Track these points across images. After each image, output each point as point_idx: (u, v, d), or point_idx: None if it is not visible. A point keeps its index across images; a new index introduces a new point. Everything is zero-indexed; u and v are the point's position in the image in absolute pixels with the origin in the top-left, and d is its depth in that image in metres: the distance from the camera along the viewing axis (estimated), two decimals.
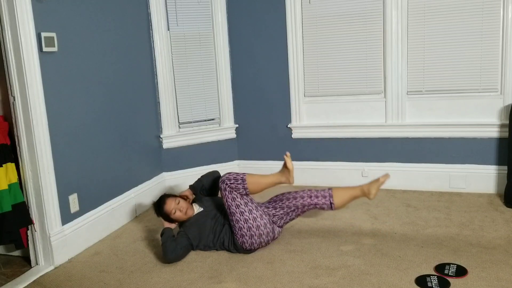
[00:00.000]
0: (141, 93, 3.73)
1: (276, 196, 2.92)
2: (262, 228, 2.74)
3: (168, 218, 2.88)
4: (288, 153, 2.74)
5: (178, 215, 2.85)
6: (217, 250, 2.86)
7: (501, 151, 3.55)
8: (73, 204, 2.96)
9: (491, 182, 3.62)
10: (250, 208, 2.72)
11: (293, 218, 2.90)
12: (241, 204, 2.71)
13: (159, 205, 2.90)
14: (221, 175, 2.76)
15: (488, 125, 3.55)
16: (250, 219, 2.70)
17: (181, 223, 2.94)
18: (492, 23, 3.43)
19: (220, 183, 2.72)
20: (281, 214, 2.83)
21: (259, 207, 2.79)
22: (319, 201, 2.78)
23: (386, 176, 2.78)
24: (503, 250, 2.63)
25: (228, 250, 2.83)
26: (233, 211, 2.71)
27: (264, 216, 2.77)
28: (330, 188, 2.84)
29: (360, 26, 3.79)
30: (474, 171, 3.65)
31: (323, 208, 2.80)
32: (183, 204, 2.89)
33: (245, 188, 2.70)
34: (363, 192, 2.80)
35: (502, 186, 3.55)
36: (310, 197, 2.79)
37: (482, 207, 3.34)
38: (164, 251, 2.71)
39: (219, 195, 2.87)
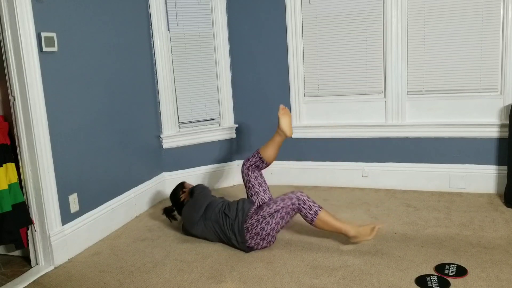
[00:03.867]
0: (141, 93, 3.73)
1: (264, 202, 3.00)
2: (270, 237, 2.81)
3: (178, 201, 3.21)
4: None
5: (185, 195, 3.19)
6: (219, 230, 2.88)
7: (501, 151, 3.55)
8: (73, 204, 2.96)
9: (491, 182, 3.62)
10: (283, 224, 2.79)
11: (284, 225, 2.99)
12: (284, 220, 2.78)
13: (180, 183, 3.34)
14: (298, 192, 2.81)
15: (488, 125, 3.55)
16: (274, 229, 2.78)
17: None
18: (492, 23, 3.43)
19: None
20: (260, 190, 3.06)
21: (284, 225, 2.87)
22: (252, 161, 3.03)
23: (281, 107, 3.03)
24: (503, 250, 2.63)
25: (228, 238, 2.84)
26: (275, 218, 2.76)
27: (282, 228, 2.86)
28: (258, 150, 3.07)
29: (360, 26, 3.79)
30: (474, 171, 3.65)
31: (258, 166, 3.04)
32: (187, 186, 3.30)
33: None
34: (280, 134, 3.00)
35: (502, 186, 3.55)
36: (247, 160, 3.06)
37: (482, 207, 3.34)
38: (203, 188, 3.13)
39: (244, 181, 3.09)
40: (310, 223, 2.76)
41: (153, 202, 3.89)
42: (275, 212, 2.75)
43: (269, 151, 3.01)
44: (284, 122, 2.98)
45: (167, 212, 3.29)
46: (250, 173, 3.02)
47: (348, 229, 2.71)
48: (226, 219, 2.87)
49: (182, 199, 3.19)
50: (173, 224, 3.36)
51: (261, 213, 2.77)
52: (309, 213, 2.72)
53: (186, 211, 3.04)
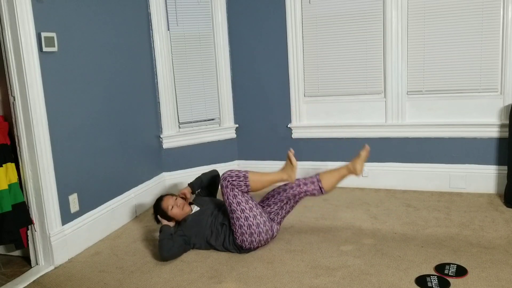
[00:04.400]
0: (141, 93, 3.73)
1: (267, 193, 2.97)
2: (262, 226, 2.75)
3: (166, 216, 2.93)
4: (292, 150, 2.80)
5: (175, 211, 2.91)
6: (215, 249, 2.85)
7: (501, 151, 3.55)
8: (73, 204, 2.96)
9: (491, 182, 3.62)
10: (251, 206, 2.73)
11: (289, 211, 2.95)
12: (242, 202, 2.71)
13: (157, 203, 2.99)
14: (223, 173, 2.77)
15: (488, 125, 3.55)
16: (250, 217, 2.71)
17: (179, 223, 2.95)
18: (492, 23, 3.43)
19: (222, 180, 2.73)
20: (276, 209, 2.88)
21: (258, 205, 2.81)
22: (309, 188, 2.82)
23: (366, 149, 2.89)
24: (503, 250, 2.63)
25: (227, 250, 2.83)
26: (234, 208, 2.71)
27: (263, 214, 2.79)
28: (317, 174, 2.88)
29: (360, 26, 3.79)
30: (474, 171, 3.65)
31: (314, 194, 2.84)
32: (180, 200, 2.96)
33: (247, 186, 2.72)
34: (349, 170, 2.90)
35: (502, 186, 3.55)
36: (299, 185, 2.83)
37: (482, 207, 3.34)
38: (160, 249, 2.74)
39: (220, 192, 2.88)
40: (248, 190, 2.71)
41: (153, 202, 3.88)
42: (229, 206, 2.72)
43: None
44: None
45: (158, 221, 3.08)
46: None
47: (280, 175, 2.74)
48: (222, 229, 2.84)
49: (171, 215, 2.96)
50: None
51: (230, 216, 2.76)
52: (239, 182, 2.68)
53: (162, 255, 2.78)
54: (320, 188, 2.81)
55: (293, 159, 2.75)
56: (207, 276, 2.55)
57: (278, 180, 2.79)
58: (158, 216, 2.97)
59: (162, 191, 4.00)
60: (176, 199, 2.96)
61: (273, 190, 2.93)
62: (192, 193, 3.15)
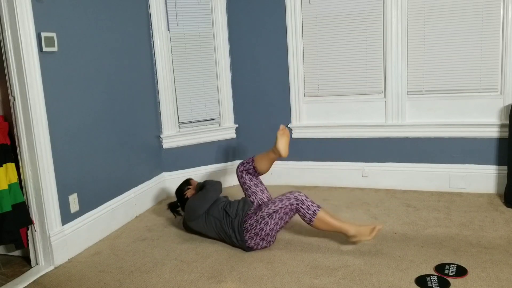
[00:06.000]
0: (141, 93, 3.73)
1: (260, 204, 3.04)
2: (270, 238, 2.82)
3: (182, 197, 3.22)
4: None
5: (190, 192, 3.19)
6: (219, 227, 2.88)
7: (501, 151, 3.55)
8: (73, 204, 2.96)
9: (491, 182, 3.62)
10: (282, 224, 2.80)
11: (262, 190, 3.14)
12: (283, 220, 2.78)
13: (186, 180, 3.33)
14: (296, 192, 2.80)
15: (488, 125, 3.55)
16: (274, 230, 2.79)
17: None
18: (492, 23, 3.43)
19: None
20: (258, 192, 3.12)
21: (283, 226, 2.87)
22: (246, 166, 3.10)
23: (281, 128, 3.03)
24: (503, 250, 2.63)
25: (228, 236, 2.85)
26: (274, 218, 2.76)
27: (277, 226, 2.84)
28: (253, 157, 3.11)
29: (360, 26, 3.79)
30: (474, 171, 3.65)
31: (250, 173, 3.10)
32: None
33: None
34: (274, 153, 3.02)
35: (502, 186, 3.55)
36: (242, 165, 3.12)
37: (482, 207, 3.34)
38: (213, 186, 3.03)
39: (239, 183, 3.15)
40: (309, 223, 2.75)
41: (153, 202, 3.89)
42: (273, 212, 2.74)
43: (262, 164, 3.06)
44: (281, 143, 2.99)
45: (172, 207, 3.31)
46: (244, 175, 3.09)
47: (347, 228, 2.69)
48: (227, 217, 2.88)
49: (186, 196, 3.19)
50: (173, 224, 3.36)
51: (260, 214, 2.77)
52: (308, 213, 2.71)
53: (191, 203, 3.00)
54: (254, 168, 3.06)
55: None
56: (207, 276, 2.55)
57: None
58: (187, 187, 3.24)
59: (162, 191, 4.00)
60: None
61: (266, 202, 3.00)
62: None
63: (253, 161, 3.07)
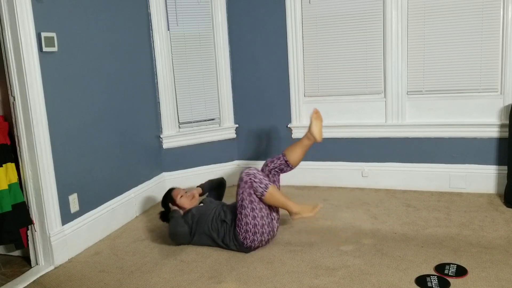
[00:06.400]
0: (141, 93, 3.73)
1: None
2: (266, 227, 2.79)
3: (174, 204, 3.07)
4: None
5: (184, 200, 3.05)
6: (215, 242, 2.87)
7: (501, 151, 3.55)
8: (73, 204, 2.96)
9: (491, 182, 3.62)
10: (261, 206, 2.78)
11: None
12: (255, 201, 2.75)
13: (168, 192, 3.16)
14: (248, 169, 2.78)
15: (488, 125, 3.55)
16: (258, 217, 2.75)
17: (185, 213, 3.00)
18: (492, 23, 3.43)
19: (245, 175, 2.75)
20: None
21: (266, 207, 2.84)
22: (276, 164, 3.00)
23: (315, 111, 3.01)
24: (503, 250, 2.63)
25: (227, 246, 2.83)
26: (245, 204, 2.74)
27: (269, 215, 2.84)
28: (283, 152, 3.06)
29: (360, 26, 3.79)
30: (474, 171, 3.65)
31: (282, 169, 3.02)
32: (189, 194, 3.12)
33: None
34: (309, 138, 3.01)
35: (502, 186, 3.55)
36: (267, 165, 3.03)
37: (482, 207, 3.34)
38: (173, 225, 2.84)
39: (237, 186, 2.94)
40: (260, 198, 2.75)
41: (153, 202, 3.89)
42: (242, 201, 2.74)
43: (296, 154, 2.99)
44: (315, 127, 2.98)
45: (164, 217, 3.15)
46: (271, 176, 3.00)
47: (292, 205, 2.77)
48: (217, 233, 2.86)
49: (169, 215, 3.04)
50: None
51: (238, 211, 2.78)
52: (260, 186, 2.72)
53: (172, 238, 2.92)
54: (286, 161, 2.99)
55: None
56: (207, 276, 2.55)
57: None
58: (169, 204, 3.08)
59: (162, 191, 4.00)
60: (186, 191, 3.13)
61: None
62: (202, 194, 3.23)
63: (284, 155, 2.98)
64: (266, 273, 2.54)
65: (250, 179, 2.74)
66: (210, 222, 2.88)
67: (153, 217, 3.57)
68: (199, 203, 3.10)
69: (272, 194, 2.74)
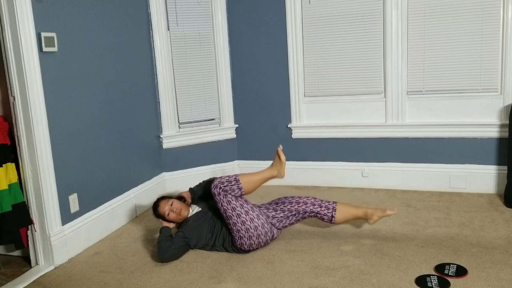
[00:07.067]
0: (141, 93, 3.73)
1: (279, 198, 2.95)
2: (260, 228, 2.74)
3: (165, 219, 2.92)
4: (280, 146, 2.84)
5: (172, 216, 2.87)
6: (216, 250, 2.85)
7: (501, 151, 3.55)
8: (73, 204, 2.96)
9: (491, 182, 3.62)
10: (246, 209, 2.72)
11: (293, 223, 2.91)
12: (237, 207, 2.70)
13: (154, 208, 2.96)
14: (213, 182, 2.74)
15: (488, 125, 3.55)
16: (247, 221, 2.70)
17: (180, 224, 2.94)
18: (492, 23, 3.43)
19: (213, 188, 2.69)
20: (281, 217, 2.85)
21: (255, 208, 2.80)
22: (321, 211, 2.82)
23: (394, 211, 2.83)
24: (503, 250, 2.63)
25: (227, 251, 2.83)
26: (229, 214, 2.70)
27: (261, 216, 2.77)
28: (335, 202, 2.87)
29: (360, 26, 3.79)
30: (474, 171, 3.65)
31: (322, 219, 2.85)
32: (176, 204, 2.88)
33: (240, 189, 2.70)
34: (366, 215, 2.84)
35: (502, 186, 3.55)
36: (314, 205, 2.83)
37: (482, 207, 3.34)
38: (158, 250, 2.74)
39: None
40: (241, 194, 2.71)
41: (153, 203, 3.88)
42: (225, 212, 2.70)
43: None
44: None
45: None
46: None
47: (267, 172, 2.80)
48: (221, 232, 2.83)
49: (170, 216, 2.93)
50: None
51: (226, 222, 2.75)
52: (232, 186, 2.68)
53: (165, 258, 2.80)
54: (332, 216, 2.82)
55: (282, 155, 2.79)
56: (207, 276, 2.55)
57: (269, 177, 2.82)
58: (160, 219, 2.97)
59: (162, 191, 4.00)
60: (171, 204, 2.88)
61: (286, 197, 2.93)
62: (192, 199, 3.09)
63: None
64: (266, 273, 2.54)
65: (219, 188, 2.68)
66: (210, 233, 2.85)
67: (153, 217, 3.56)
68: (198, 209, 3.00)
69: (246, 181, 2.71)
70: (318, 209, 2.82)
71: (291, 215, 2.84)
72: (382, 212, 2.82)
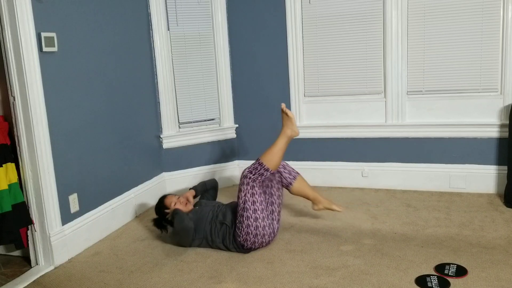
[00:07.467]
0: (141, 93, 3.73)
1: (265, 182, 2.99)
2: (267, 228, 2.78)
3: (165, 218, 2.99)
4: (283, 103, 2.92)
5: (178, 207, 2.95)
6: (215, 245, 2.85)
7: (501, 151, 3.55)
8: (73, 204, 2.96)
9: (491, 182, 3.62)
10: (263, 207, 2.76)
11: (279, 195, 2.97)
12: (257, 202, 2.73)
13: (160, 200, 3.07)
14: (243, 171, 2.77)
15: (488, 125, 3.55)
16: (259, 218, 2.74)
17: None
18: (492, 23, 3.43)
19: (243, 178, 2.75)
20: (277, 197, 2.95)
21: (268, 207, 2.84)
22: (284, 173, 3.00)
23: (340, 209, 2.98)
24: (503, 250, 2.63)
25: (226, 248, 2.83)
26: (247, 206, 2.72)
27: (269, 216, 2.82)
28: (298, 173, 3.05)
29: (360, 26, 3.79)
30: (474, 171, 3.65)
31: (282, 182, 2.99)
32: (182, 199, 3.04)
33: (266, 169, 2.75)
34: (315, 199, 3.00)
35: (502, 186, 3.55)
36: (283, 167, 3.02)
37: (482, 207, 3.34)
38: (180, 220, 2.78)
39: (237, 190, 2.88)
40: (271, 172, 2.78)
41: (154, 202, 3.88)
42: (244, 203, 2.72)
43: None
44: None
45: (158, 224, 3.06)
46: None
47: (285, 135, 2.88)
48: (222, 228, 2.84)
49: (168, 218, 2.99)
50: None
51: (239, 214, 2.75)
52: (258, 171, 2.73)
53: (175, 240, 2.95)
54: (290, 184, 2.99)
55: (288, 110, 2.88)
56: (207, 276, 2.55)
57: (286, 141, 2.85)
58: (164, 210, 3.02)
59: (162, 191, 4.00)
60: (178, 197, 3.03)
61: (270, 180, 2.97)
62: (195, 196, 3.17)
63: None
64: (266, 273, 2.54)
65: (249, 178, 2.74)
66: (209, 225, 2.86)
67: (153, 217, 3.56)
68: (194, 206, 3.06)
69: (268, 159, 2.75)
70: (283, 170, 2.99)
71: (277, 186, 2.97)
72: (328, 204, 2.98)
